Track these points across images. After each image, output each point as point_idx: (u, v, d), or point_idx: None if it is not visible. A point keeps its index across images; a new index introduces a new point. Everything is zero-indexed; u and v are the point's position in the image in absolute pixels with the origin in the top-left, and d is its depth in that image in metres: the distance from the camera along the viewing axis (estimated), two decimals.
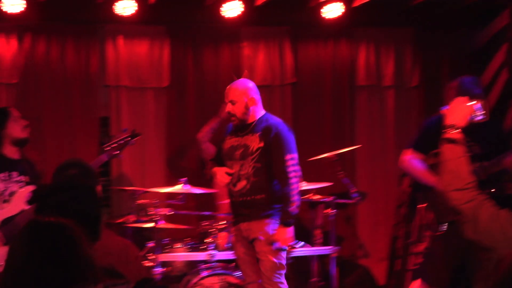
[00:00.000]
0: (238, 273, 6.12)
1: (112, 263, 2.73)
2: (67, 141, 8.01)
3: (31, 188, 5.24)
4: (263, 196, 5.46)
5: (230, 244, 6.39)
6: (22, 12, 7.73)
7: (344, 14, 8.14)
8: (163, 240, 6.70)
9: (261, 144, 5.47)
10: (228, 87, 5.65)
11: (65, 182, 3.28)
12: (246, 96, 5.54)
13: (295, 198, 5.39)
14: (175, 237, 7.12)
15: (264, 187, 5.47)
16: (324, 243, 7.04)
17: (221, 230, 6.50)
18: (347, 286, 7.38)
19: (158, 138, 8.26)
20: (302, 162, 7.79)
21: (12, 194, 5.20)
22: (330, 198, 6.92)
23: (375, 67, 8.59)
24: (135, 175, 8.14)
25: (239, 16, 8.09)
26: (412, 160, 5.31)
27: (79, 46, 8.11)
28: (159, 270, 6.17)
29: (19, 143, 5.30)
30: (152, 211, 6.42)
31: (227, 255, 6.40)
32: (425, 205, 5.47)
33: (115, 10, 7.87)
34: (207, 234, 6.54)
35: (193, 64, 8.34)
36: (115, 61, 8.21)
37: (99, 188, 3.54)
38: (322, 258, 7.47)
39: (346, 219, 8.24)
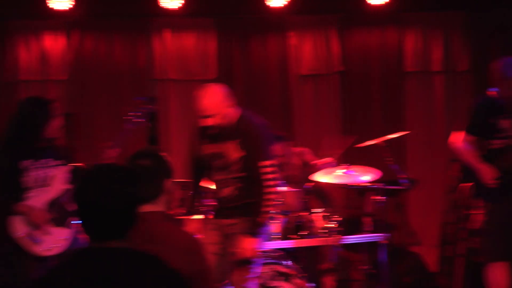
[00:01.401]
0: (288, 262, 6.11)
1: (161, 251, 2.66)
2: (117, 135, 8.08)
3: (67, 169, 5.39)
4: (252, 200, 5.25)
5: (279, 233, 6.37)
6: (70, 9, 7.87)
7: None
8: None
9: (243, 153, 5.24)
10: (201, 99, 5.21)
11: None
12: (222, 105, 5.22)
13: (268, 209, 5.22)
14: None
15: (251, 192, 5.26)
16: (375, 231, 6.98)
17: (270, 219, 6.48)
18: (398, 273, 7.30)
19: None
20: (352, 149, 7.84)
21: (52, 178, 5.32)
22: (379, 185, 6.86)
23: (423, 52, 8.48)
24: (185, 167, 8.16)
25: (285, 6, 8.09)
26: (462, 142, 5.29)
27: (127, 41, 8.21)
28: None
29: (50, 140, 5.39)
30: (201, 202, 6.43)
31: (276, 244, 6.39)
32: (471, 184, 5.47)
33: (162, 4, 7.94)
34: None
35: (240, 56, 8.36)
36: (162, 55, 8.29)
37: (170, 182, 3.34)
38: (373, 245, 7.42)
39: (396, 206, 8.15)
